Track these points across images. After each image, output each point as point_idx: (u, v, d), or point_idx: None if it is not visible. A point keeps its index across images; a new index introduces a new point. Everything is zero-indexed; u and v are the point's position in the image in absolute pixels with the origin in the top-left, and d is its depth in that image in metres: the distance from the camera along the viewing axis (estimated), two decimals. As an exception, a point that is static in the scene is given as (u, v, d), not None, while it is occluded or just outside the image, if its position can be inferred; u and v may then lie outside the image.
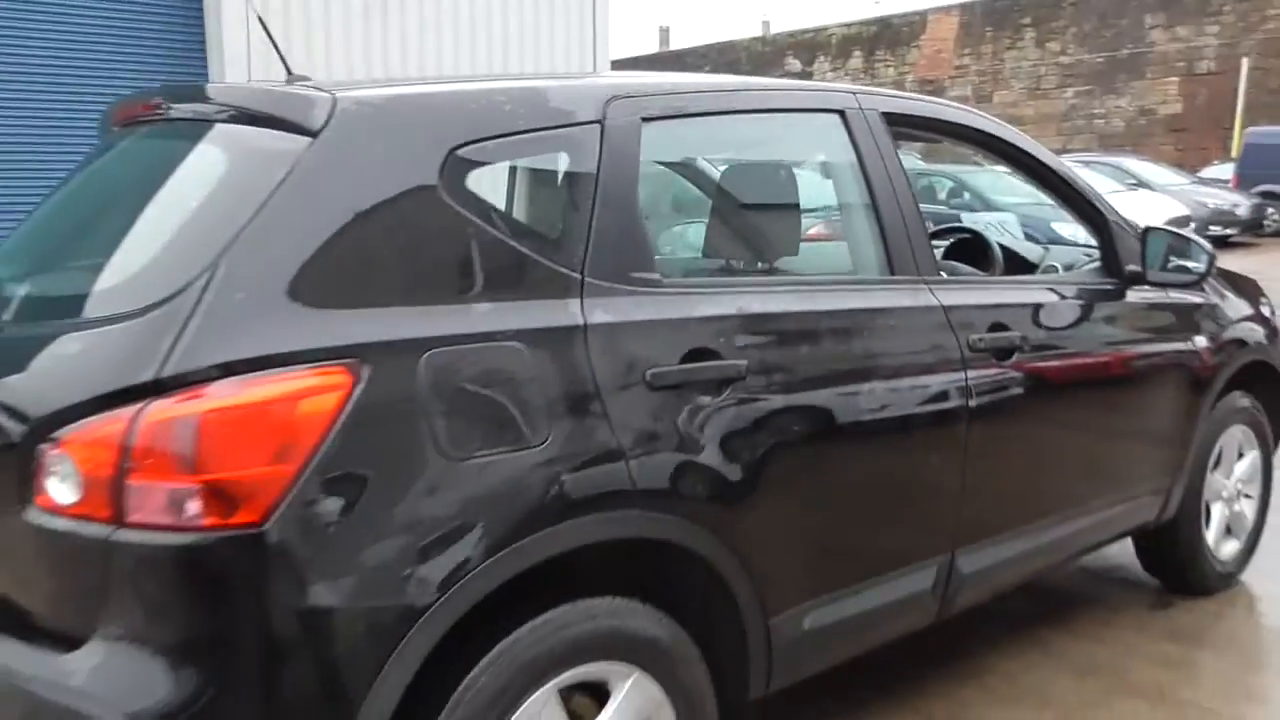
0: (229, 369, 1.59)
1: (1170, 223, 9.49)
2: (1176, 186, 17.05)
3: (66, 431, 1.60)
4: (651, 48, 43.73)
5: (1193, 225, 14.36)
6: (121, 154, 2.17)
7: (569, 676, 1.87)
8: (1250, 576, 3.78)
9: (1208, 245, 3.25)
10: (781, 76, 38.22)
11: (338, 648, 1.61)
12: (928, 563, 2.54)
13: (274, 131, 1.80)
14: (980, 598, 2.79)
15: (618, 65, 16.91)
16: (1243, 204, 16.86)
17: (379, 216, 1.78)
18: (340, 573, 1.61)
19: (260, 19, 2.21)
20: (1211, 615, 3.54)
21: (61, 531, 1.62)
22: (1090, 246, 3.39)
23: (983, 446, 2.60)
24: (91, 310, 1.73)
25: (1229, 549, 3.71)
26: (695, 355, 2.04)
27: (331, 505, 1.60)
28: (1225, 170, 20.15)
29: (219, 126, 1.93)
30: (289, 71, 2.36)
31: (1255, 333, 3.66)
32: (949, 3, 33.45)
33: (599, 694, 1.97)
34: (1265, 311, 3.81)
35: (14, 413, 1.71)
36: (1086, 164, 16.38)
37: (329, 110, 1.80)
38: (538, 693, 1.82)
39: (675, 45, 42.76)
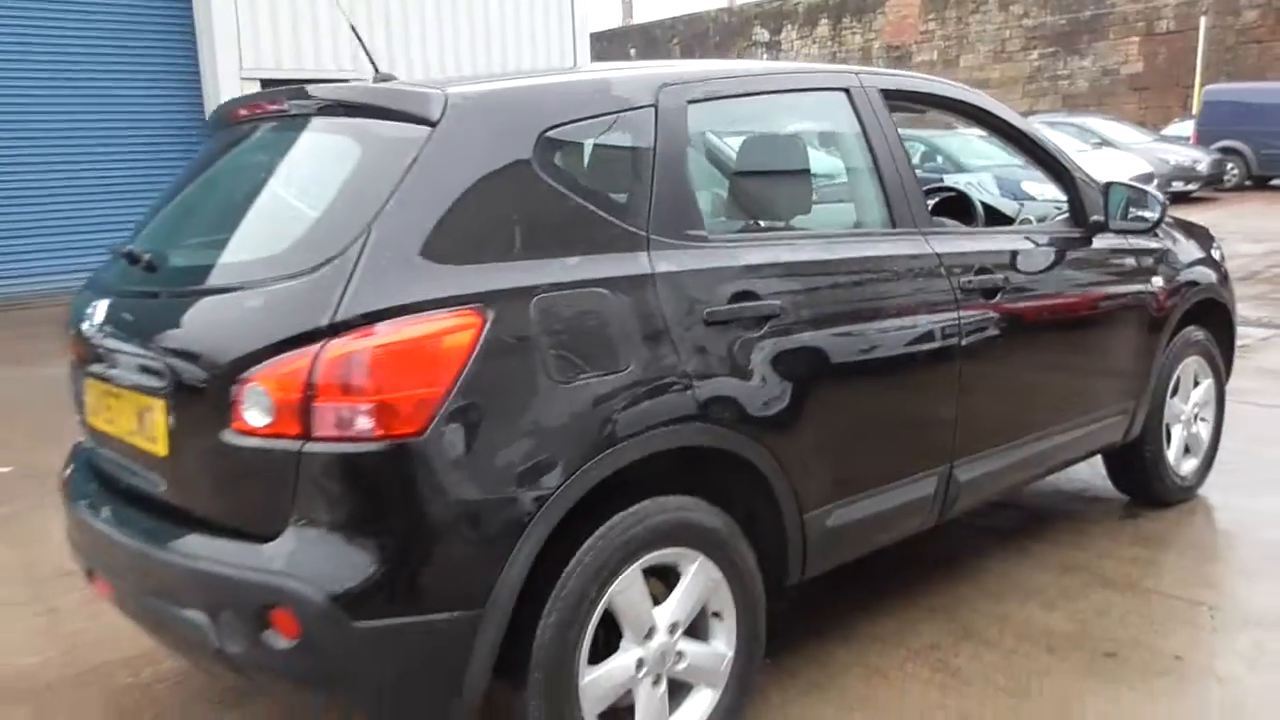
0: (386, 314, 2.00)
1: (1134, 179, 10.00)
2: (1139, 144, 17.58)
3: (260, 368, 2.01)
4: (614, 20, 43.78)
5: (1155, 181, 14.90)
6: (256, 144, 2.57)
7: (650, 558, 2.30)
8: (1206, 490, 4.27)
9: (1160, 196, 3.71)
10: (749, 46, 38.47)
11: (480, 530, 2.04)
12: (930, 473, 2.99)
13: (400, 123, 2.21)
14: (973, 504, 3.26)
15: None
16: (1203, 160, 17.44)
17: (489, 189, 2.18)
18: (480, 471, 2.03)
19: (351, 26, 2.57)
20: (1173, 523, 4.03)
21: (257, 449, 2.03)
22: (1059, 201, 3.84)
23: (973, 373, 3.05)
24: (266, 271, 2.12)
25: (1188, 466, 4.20)
26: (739, 297, 2.47)
27: (471, 419, 2.03)
28: (1186, 127, 20.70)
29: (349, 120, 2.33)
30: (376, 70, 2.77)
31: (1207, 275, 4.13)
32: (914, -31, 33.66)
33: (670, 579, 2.40)
34: (1216, 255, 4.28)
35: (210, 357, 2.11)
36: (1052, 124, 16.84)
37: (443, 105, 2.20)
38: (627, 570, 2.26)
39: (639, 18, 42.90)
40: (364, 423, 1.96)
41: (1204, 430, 4.27)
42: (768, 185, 2.71)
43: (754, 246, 2.60)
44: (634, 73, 2.60)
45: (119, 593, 2.39)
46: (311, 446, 1.98)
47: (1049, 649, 3.05)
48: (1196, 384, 4.20)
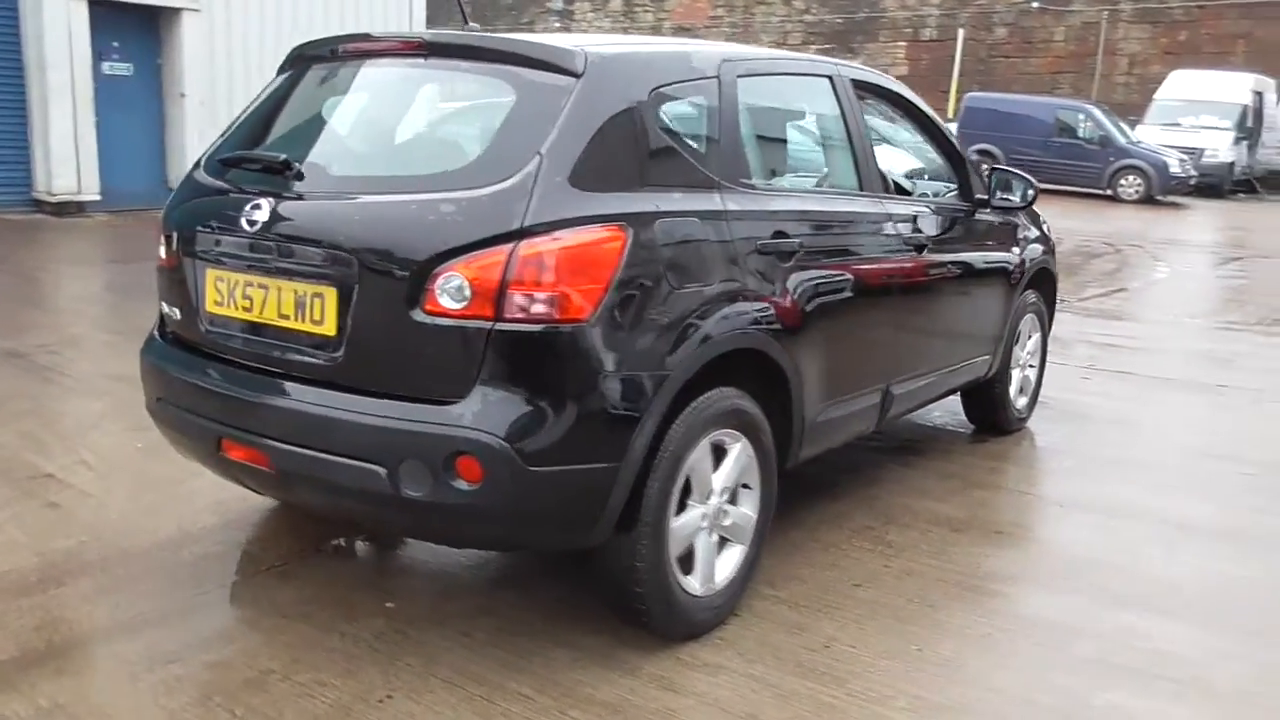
0: (561, 224, 2.53)
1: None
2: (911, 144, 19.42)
3: (458, 261, 2.48)
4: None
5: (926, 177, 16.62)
6: (396, 78, 2.99)
7: (713, 435, 2.93)
8: (1031, 422, 5.35)
9: (1033, 180, 4.66)
10: (542, 13, 38.75)
11: (624, 399, 2.61)
12: (876, 388, 3.77)
13: (550, 73, 2.71)
14: (900, 414, 4.08)
15: None
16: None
17: (618, 132, 2.72)
18: (625, 353, 2.60)
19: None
20: (1011, 444, 5.06)
21: (448, 327, 2.50)
22: (938, 184, 4.72)
23: (907, 311, 3.86)
24: (450, 183, 2.59)
25: (1021, 402, 5.24)
26: (777, 235, 3.13)
27: (620, 311, 2.59)
28: (949, 130, 22.93)
29: (501, 66, 2.78)
30: (465, 21, 3.22)
31: (1043, 248, 5.16)
32: (708, -46, 34.95)
33: (718, 456, 3.03)
34: (1046, 231, 5.33)
35: (405, 252, 2.55)
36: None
37: (585, 60, 2.72)
38: (701, 443, 2.87)
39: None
40: (546, 308, 2.48)
41: (1032, 375, 5.33)
42: (788, 150, 3.38)
43: (782, 196, 3.28)
44: (702, 49, 3.19)
45: (268, 453, 2.75)
46: (501, 326, 2.48)
47: (952, 529, 3.93)
48: (1030, 337, 5.24)
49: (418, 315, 2.53)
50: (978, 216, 4.53)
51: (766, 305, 3.05)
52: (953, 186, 4.63)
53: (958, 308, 4.38)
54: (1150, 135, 22.32)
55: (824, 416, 3.45)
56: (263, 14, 12.71)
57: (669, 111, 2.91)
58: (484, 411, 2.50)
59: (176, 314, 3.10)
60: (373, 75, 3.08)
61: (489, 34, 2.89)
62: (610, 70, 2.76)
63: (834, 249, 3.43)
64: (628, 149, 2.74)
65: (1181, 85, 23.70)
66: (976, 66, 29.83)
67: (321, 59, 3.18)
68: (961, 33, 30.07)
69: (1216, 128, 22.57)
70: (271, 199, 2.78)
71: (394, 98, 3.04)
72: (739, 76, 3.18)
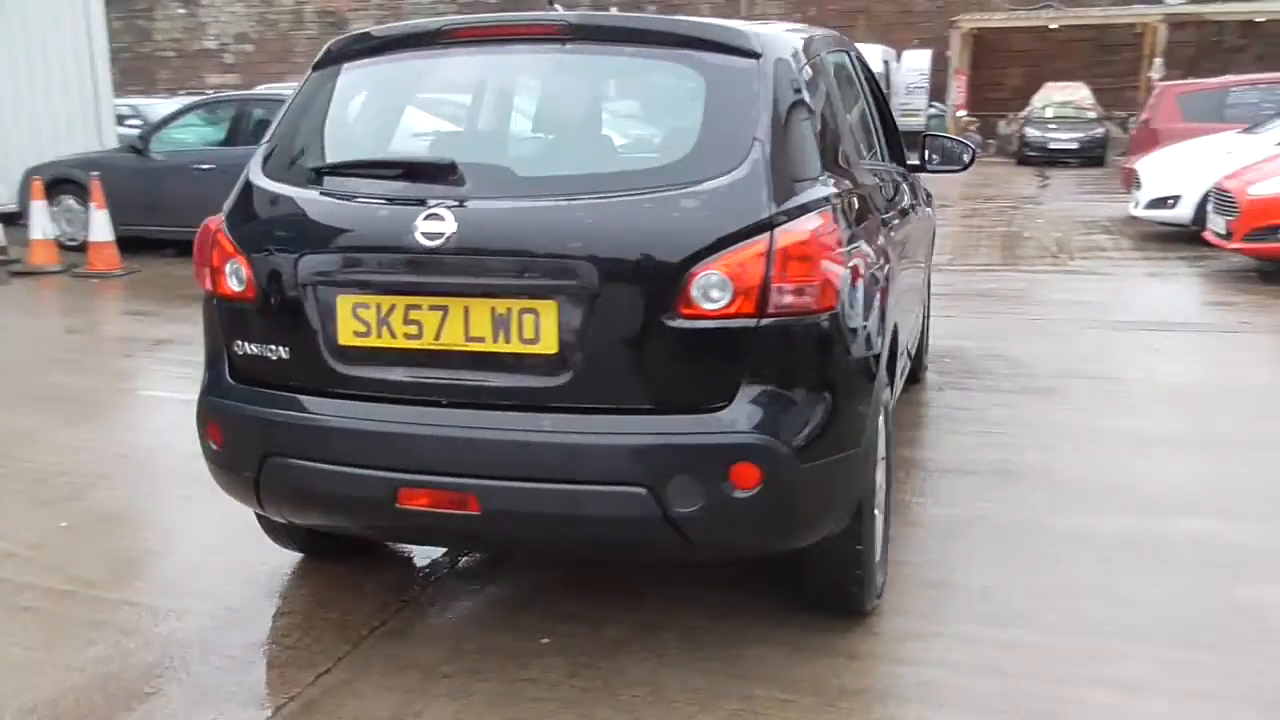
0: (797, 211, 2.44)
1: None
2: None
3: (715, 258, 2.32)
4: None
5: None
6: (556, 64, 2.69)
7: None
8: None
9: (971, 144, 5.02)
10: (165, -3, 35.44)
11: (864, 381, 2.59)
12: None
13: (734, 56, 2.57)
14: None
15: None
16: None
17: (798, 113, 2.64)
18: (859, 335, 2.58)
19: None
20: (918, 389, 5.44)
21: (709, 329, 2.34)
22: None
23: (896, 256, 4.05)
24: (674, 177, 2.39)
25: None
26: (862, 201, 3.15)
27: (851, 294, 2.54)
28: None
29: (679, 50, 2.58)
30: (552, 2, 2.98)
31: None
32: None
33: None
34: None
35: (651, 254, 2.34)
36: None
37: (760, 42, 2.61)
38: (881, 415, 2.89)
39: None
40: (807, 299, 2.39)
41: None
42: (855, 126, 3.44)
43: (870, 170, 3.33)
44: (801, 28, 3.13)
45: (476, 494, 2.42)
46: (765, 322, 2.36)
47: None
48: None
49: (672, 320, 2.35)
50: (909, 179, 4.81)
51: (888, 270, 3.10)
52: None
53: (915, 257, 4.66)
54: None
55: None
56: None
57: (819, 90, 2.86)
58: (756, 414, 2.38)
59: (273, 353, 2.63)
60: (507, 63, 2.75)
61: (643, 15, 2.67)
62: (779, 50, 2.67)
63: (890, 218, 3.54)
64: (808, 130, 2.68)
65: (822, 55, 25.99)
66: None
67: (403, 47, 2.80)
68: (616, 12, 31.04)
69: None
70: (451, 207, 2.43)
71: (547, 86, 2.74)
72: (828, 54, 3.19)
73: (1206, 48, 25.38)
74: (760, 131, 2.47)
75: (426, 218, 2.42)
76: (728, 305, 2.34)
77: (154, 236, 9.99)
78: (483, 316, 2.42)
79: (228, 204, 2.81)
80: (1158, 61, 22.98)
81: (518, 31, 2.72)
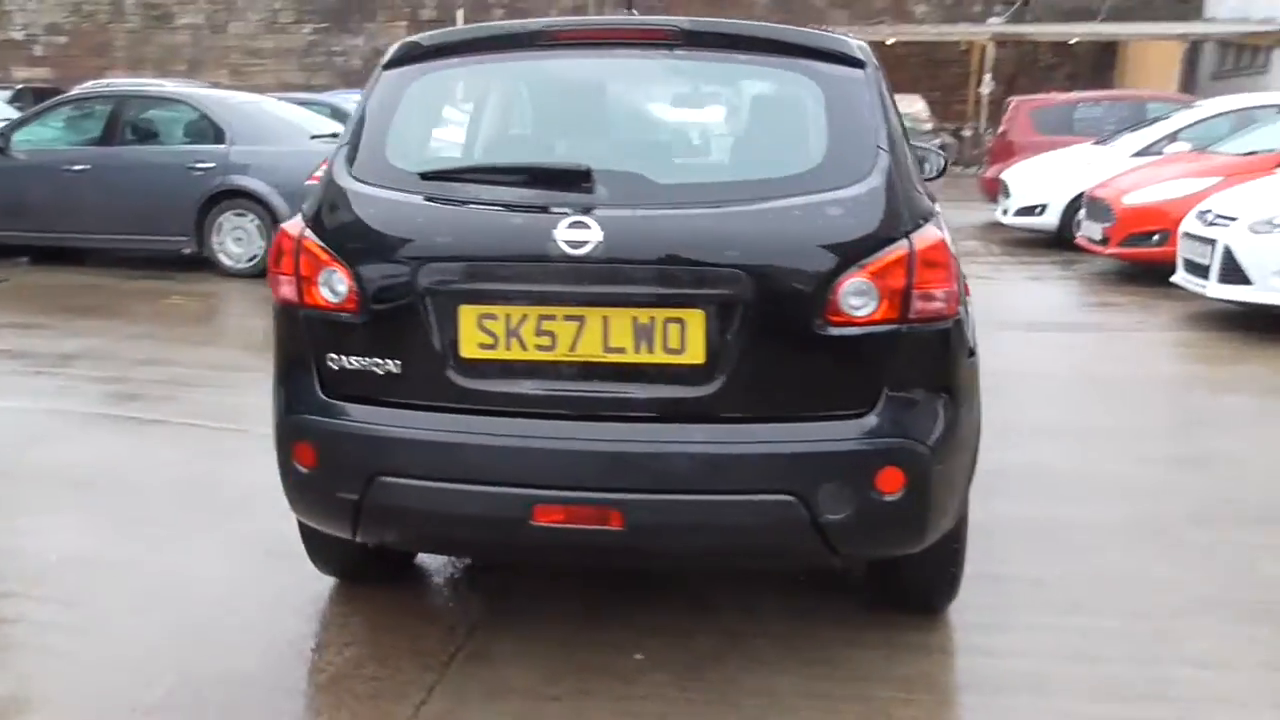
0: (923, 219, 2.50)
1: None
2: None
3: (864, 264, 2.35)
4: None
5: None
6: (669, 69, 2.63)
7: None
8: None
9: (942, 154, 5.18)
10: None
11: (976, 376, 2.66)
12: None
13: (843, 65, 2.59)
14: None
15: None
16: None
17: (899, 123, 2.70)
18: (970, 331, 2.64)
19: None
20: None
21: (856, 335, 2.37)
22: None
23: None
24: (810, 185, 2.41)
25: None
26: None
27: (964, 299, 2.61)
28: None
29: (789, 58, 2.59)
30: (630, 8, 2.94)
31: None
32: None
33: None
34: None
35: (805, 261, 2.35)
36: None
37: (862, 51, 2.65)
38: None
39: None
40: (940, 304, 2.45)
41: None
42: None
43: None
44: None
45: (621, 509, 2.36)
46: (906, 328, 2.40)
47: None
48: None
49: (821, 328, 2.36)
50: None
51: None
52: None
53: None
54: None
55: None
56: None
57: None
58: (898, 418, 2.42)
59: (380, 367, 2.49)
60: (617, 67, 2.67)
61: (752, 23, 2.65)
62: (871, 59, 2.71)
63: None
64: (904, 139, 2.74)
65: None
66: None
67: (496, 48, 2.70)
68: (460, 13, 30.58)
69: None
70: (596, 215, 2.36)
71: (666, 92, 2.69)
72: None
73: (1025, 65, 27.19)
74: (882, 140, 2.51)
75: (571, 225, 2.35)
76: (873, 312, 2.38)
77: (9, 243, 9.21)
78: (623, 326, 2.37)
79: (309, 210, 2.64)
80: (987, 77, 24.40)
81: (626, 35, 2.67)
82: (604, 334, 2.38)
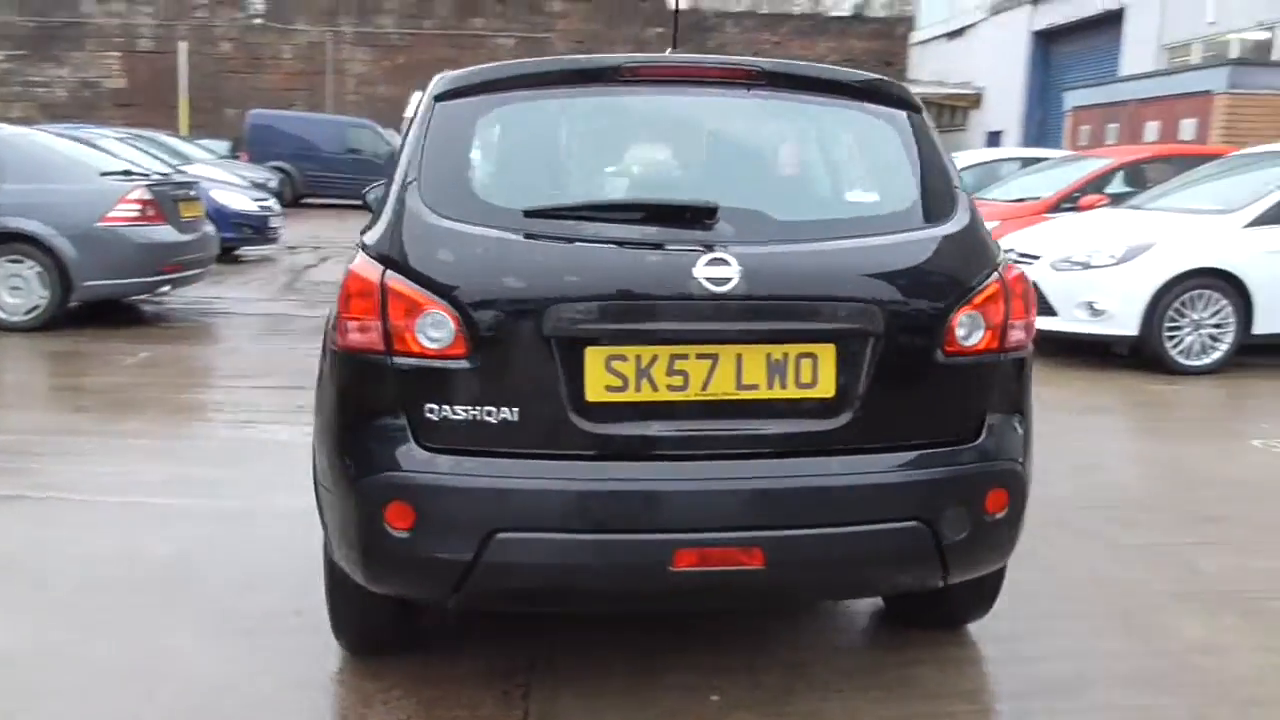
0: (1000, 255, 2.67)
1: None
2: (212, 159, 18.32)
3: (972, 297, 2.50)
4: None
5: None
6: (759, 109, 2.67)
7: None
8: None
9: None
10: None
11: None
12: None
13: (905, 110, 2.73)
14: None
15: None
16: (271, 177, 19.10)
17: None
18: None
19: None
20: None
21: (968, 365, 2.50)
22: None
23: None
24: (915, 221, 2.54)
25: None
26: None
27: (1029, 326, 2.81)
28: (220, 145, 21.97)
29: (863, 102, 2.69)
30: (675, 46, 2.97)
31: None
32: None
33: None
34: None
35: (930, 295, 2.46)
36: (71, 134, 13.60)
37: (911, 94, 2.80)
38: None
39: None
40: (1024, 334, 2.64)
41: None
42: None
43: None
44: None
45: (762, 546, 2.34)
46: (1004, 357, 2.56)
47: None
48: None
49: (940, 358, 2.47)
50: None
51: None
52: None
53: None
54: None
55: None
56: None
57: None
58: (1002, 440, 2.57)
59: (493, 415, 2.34)
60: (700, 106, 2.66)
61: (826, 66, 2.72)
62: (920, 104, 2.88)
63: None
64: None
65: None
66: (204, 81, 28.77)
67: (568, 82, 2.63)
68: (183, 45, 28.75)
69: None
70: (732, 251, 2.34)
71: (755, 131, 2.68)
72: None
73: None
74: (956, 179, 2.67)
75: (710, 263, 2.32)
76: (979, 342, 2.51)
77: None
78: (757, 363, 2.36)
79: (380, 249, 2.43)
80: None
81: (706, 74, 2.68)
82: (737, 371, 2.36)
